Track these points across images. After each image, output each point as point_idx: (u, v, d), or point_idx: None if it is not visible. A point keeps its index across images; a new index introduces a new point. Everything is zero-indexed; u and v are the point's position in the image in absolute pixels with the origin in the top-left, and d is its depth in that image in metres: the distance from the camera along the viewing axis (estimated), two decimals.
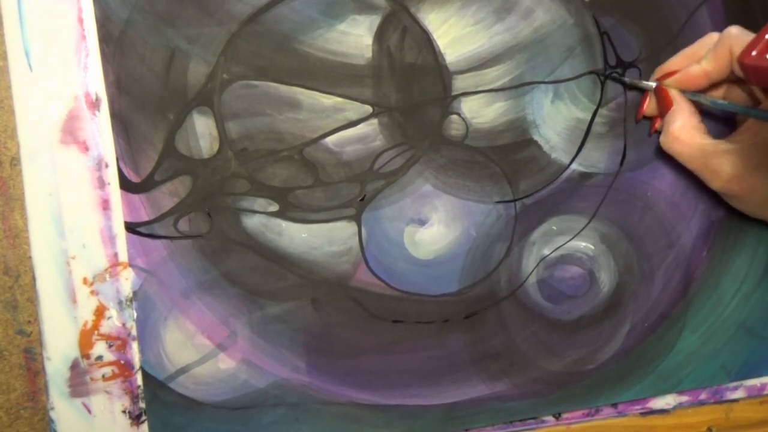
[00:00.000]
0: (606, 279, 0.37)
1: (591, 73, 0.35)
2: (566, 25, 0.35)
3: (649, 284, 0.37)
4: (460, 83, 0.34)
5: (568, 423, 0.38)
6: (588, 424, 0.38)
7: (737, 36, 0.32)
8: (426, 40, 0.34)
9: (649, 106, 0.36)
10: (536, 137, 0.35)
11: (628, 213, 0.37)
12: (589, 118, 0.36)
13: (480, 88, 0.34)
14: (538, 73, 0.35)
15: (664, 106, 0.34)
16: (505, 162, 0.35)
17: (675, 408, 0.39)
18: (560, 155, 0.36)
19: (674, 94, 0.34)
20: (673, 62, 0.35)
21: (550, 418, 0.37)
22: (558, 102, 0.35)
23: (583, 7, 0.35)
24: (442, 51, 0.34)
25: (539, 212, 0.36)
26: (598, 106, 0.36)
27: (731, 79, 0.34)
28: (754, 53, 0.25)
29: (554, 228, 0.36)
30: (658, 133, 0.36)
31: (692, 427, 0.40)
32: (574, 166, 0.36)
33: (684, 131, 0.33)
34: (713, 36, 0.34)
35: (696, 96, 0.34)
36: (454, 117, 0.34)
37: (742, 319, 0.39)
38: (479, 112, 0.34)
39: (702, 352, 0.38)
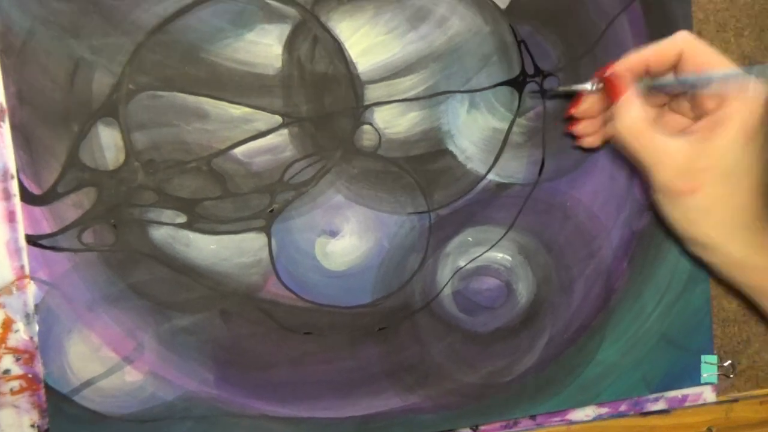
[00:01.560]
0: (524, 290, 0.47)
1: (506, 83, 0.45)
2: (482, 33, 0.44)
3: (569, 295, 0.47)
4: (372, 93, 0.43)
5: (568, 423, 0.48)
6: (588, 425, 0.48)
7: (689, 39, 0.40)
8: (337, 50, 0.42)
9: (582, 107, 0.44)
10: (451, 147, 0.44)
11: (547, 223, 0.46)
12: (506, 127, 0.45)
13: (393, 98, 0.43)
14: (453, 83, 0.44)
15: (613, 97, 0.41)
16: (419, 172, 0.44)
17: (674, 409, 0.50)
18: (476, 165, 0.45)
19: (626, 83, 0.41)
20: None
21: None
22: (474, 111, 0.44)
23: (499, 16, 0.44)
24: (354, 60, 0.42)
25: (454, 223, 0.45)
26: (516, 115, 0.45)
27: (669, 93, 0.43)
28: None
29: (470, 239, 0.45)
30: (573, 137, 0.45)
31: (692, 427, 0.51)
32: (490, 176, 0.45)
33: (634, 122, 0.40)
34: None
35: (641, 81, 0.41)
36: (367, 127, 0.43)
37: (663, 330, 0.49)
38: (392, 122, 0.43)
39: (622, 363, 0.48)
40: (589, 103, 0.43)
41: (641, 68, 0.41)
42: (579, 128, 0.44)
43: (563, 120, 0.45)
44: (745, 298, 0.45)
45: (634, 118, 0.40)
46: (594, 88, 0.43)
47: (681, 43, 0.40)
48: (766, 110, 0.39)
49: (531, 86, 0.45)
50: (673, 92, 0.43)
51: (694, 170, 0.40)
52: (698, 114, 0.42)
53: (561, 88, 0.45)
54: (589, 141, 0.45)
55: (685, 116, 0.43)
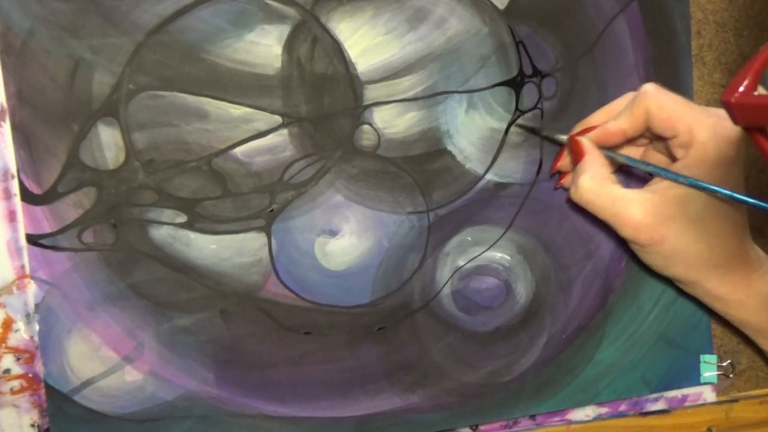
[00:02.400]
0: (522, 290, 0.47)
1: (504, 84, 0.45)
2: (480, 34, 0.44)
3: (567, 295, 0.47)
4: (371, 93, 0.43)
5: (567, 423, 0.48)
6: (588, 424, 0.49)
7: (653, 94, 0.42)
8: (337, 50, 0.43)
9: (565, 161, 0.46)
10: (450, 147, 0.45)
11: (545, 223, 0.47)
12: (504, 127, 0.45)
13: (392, 98, 0.43)
14: (451, 83, 0.44)
15: (576, 158, 0.44)
16: (418, 172, 0.44)
17: (673, 409, 0.50)
18: (475, 165, 0.45)
19: (586, 145, 0.44)
20: (594, 118, 0.45)
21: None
22: (472, 112, 0.45)
23: (497, 16, 0.44)
24: (354, 61, 0.43)
25: (453, 223, 0.45)
26: (514, 116, 0.45)
27: (648, 137, 0.44)
28: (740, 90, 0.30)
29: (469, 239, 0.46)
30: (564, 189, 0.46)
31: (692, 427, 0.51)
32: (489, 176, 0.45)
33: (594, 181, 0.42)
34: (630, 95, 0.44)
35: (613, 153, 0.44)
36: (366, 127, 0.43)
37: (661, 330, 0.49)
38: (391, 122, 0.44)
39: (621, 363, 0.49)
40: (568, 160, 0.45)
41: (616, 137, 0.43)
42: (566, 181, 0.46)
43: (551, 176, 0.47)
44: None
45: (590, 180, 0.42)
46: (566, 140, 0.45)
47: (647, 94, 0.42)
48: (727, 156, 0.40)
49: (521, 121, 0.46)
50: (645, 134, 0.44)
51: (656, 223, 0.41)
52: (672, 158, 0.43)
53: (544, 133, 0.46)
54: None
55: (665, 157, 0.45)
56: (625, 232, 0.42)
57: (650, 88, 0.42)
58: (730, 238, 0.42)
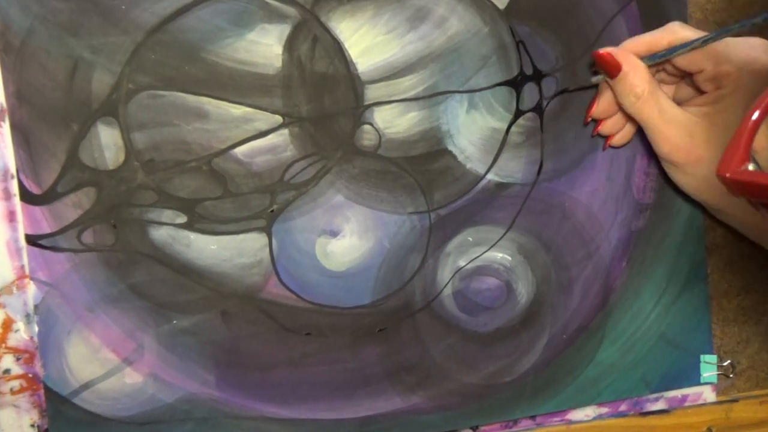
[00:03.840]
0: (523, 290, 0.47)
1: (505, 84, 0.45)
2: (481, 33, 0.44)
3: (568, 295, 0.47)
4: (372, 93, 0.43)
5: (568, 423, 0.48)
6: (588, 425, 0.49)
7: (677, 29, 0.42)
8: (337, 50, 0.42)
9: (599, 107, 0.45)
10: (451, 147, 0.45)
11: (546, 223, 0.47)
12: (504, 127, 0.45)
13: (393, 98, 0.43)
14: (452, 83, 0.44)
15: (612, 71, 0.42)
16: (419, 172, 0.44)
17: (673, 409, 0.50)
18: (476, 165, 0.45)
19: (621, 55, 0.42)
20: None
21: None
22: (473, 112, 0.45)
23: (498, 16, 0.45)
24: (354, 60, 0.43)
25: (454, 223, 0.45)
26: (514, 115, 0.45)
27: (675, 75, 0.44)
28: (732, 167, 0.30)
29: (470, 239, 0.46)
30: (601, 136, 0.46)
31: (692, 427, 0.51)
32: (489, 176, 0.45)
33: (646, 87, 0.42)
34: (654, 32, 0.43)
35: (649, 57, 0.43)
36: (367, 127, 0.43)
37: (662, 331, 0.49)
38: (392, 122, 0.44)
39: (621, 363, 0.49)
40: (605, 102, 0.44)
41: (635, 52, 0.43)
42: (604, 128, 0.46)
43: (585, 125, 0.46)
44: None
45: (638, 89, 0.42)
46: (600, 77, 0.44)
47: (671, 29, 0.42)
48: (762, 78, 0.40)
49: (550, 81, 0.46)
50: (669, 70, 0.44)
51: (694, 144, 0.42)
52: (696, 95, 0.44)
53: (574, 88, 0.46)
54: (618, 138, 0.46)
55: (688, 96, 0.45)
56: (664, 147, 0.42)
57: (675, 26, 0.42)
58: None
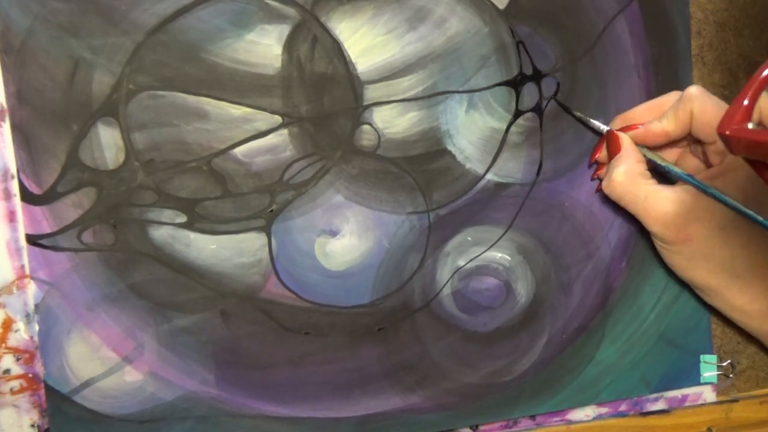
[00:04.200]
0: (523, 290, 0.47)
1: (504, 84, 0.45)
2: (481, 34, 0.44)
3: (567, 295, 0.47)
4: (371, 93, 0.43)
5: (567, 423, 0.48)
6: (588, 424, 0.49)
7: (698, 97, 0.42)
8: (337, 50, 0.43)
9: (604, 152, 0.46)
10: (450, 147, 0.45)
11: (545, 223, 0.47)
12: (504, 127, 0.45)
13: (392, 98, 0.43)
14: (452, 83, 0.44)
15: (613, 152, 0.45)
16: (418, 172, 0.44)
17: (673, 409, 0.50)
18: (475, 165, 0.45)
19: (624, 141, 0.44)
20: (635, 113, 0.45)
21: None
22: (472, 112, 0.45)
23: (497, 16, 0.44)
24: (354, 60, 0.43)
25: (454, 223, 0.45)
26: (514, 115, 0.45)
27: (687, 140, 0.45)
28: (732, 125, 0.31)
29: (469, 239, 0.46)
30: (600, 180, 0.47)
31: (692, 427, 0.51)
32: (489, 176, 0.45)
33: (627, 176, 0.43)
34: (675, 94, 0.44)
35: (649, 154, 0.44)
36: (366, 127, 0.43)
37: (661, 330, 0.49)
38: (392, 122, 0.44)
39: (621, 363, 0.49)
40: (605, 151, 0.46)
41: (659, 138, 0.44)
42: (602, 173, 0.46)
43: (589, 166, 0.47)
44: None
45: (623, 174, 0.43)
46: (605, 132, 0.46)
47: (692, 98, 0.42)
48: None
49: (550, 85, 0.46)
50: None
51: (685, 222, 0.42)
52: (702, 168, 0.45)
53: (578, 114, 0.46)
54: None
55: (691, 168, 0.46)
56: (654, 227, 0.43)
57: (695, 91, 0.42)
58: (755, 250, 0.42)
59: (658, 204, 0.42)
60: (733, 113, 0.31)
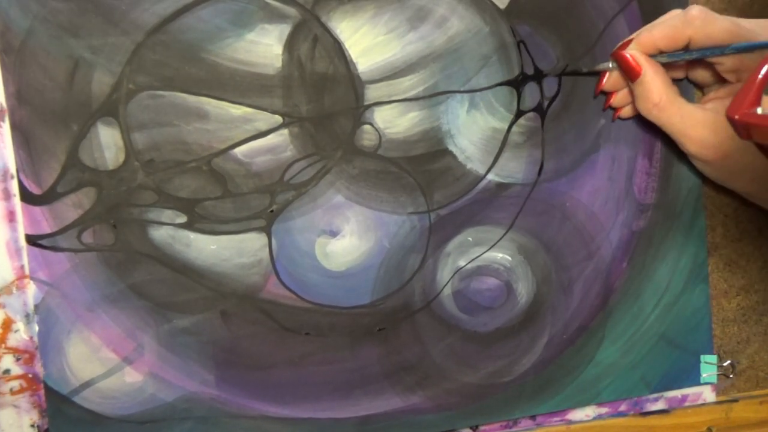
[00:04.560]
0: (523, 290, 0.47)
1: (505, 84, 0.45)
2: (482, 33, 0.44)
3: (568, 295, 0.47)
4: (372, 93, 0.43)
5: (567, 423, 0.48)
6: (588, 424, 0.49)
7: (700, 25, 0.41)
8: (337, 50, 0.42)
9: (610, 81, 0.45)
10: (451, 147, 0.45)
11: (546, 224, 0.47)
12: (505, 127, 0.45)
13: (393, 98, 0.43)
14: (453, 83, 0.44)
15: (631, 74, 0.43)
16: (419, 172, 0.44)
17: (673, 409, 0.50)
18: (476, 165, 0.45)
19: (642, 59, 0.43)
20: (633, 34, 0.44)
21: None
22: (474, 112, 0.45)
23: (498, 16, 0.44)
24: (354, 60, 0.43)
25: (454, 223, 0.45)
26: (515, 115, 0.45)
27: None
28: (742, 110, 0.30)
29: (470, 239, 0.46)
30: (612, 108, 0.46)
31: (692, 427, 0.51)
32: (490, 176, 0.45)
33: (664, 97, 0.42)
34: (675, 12, 0.43)
35: (671, 57, 0.43)
36: (367, 127, 0.43)
37: (662, 331, 0.49)
38: (393, 122, 0.44)
39: (621, 363, 0.49)
40: (614, 78, 0.45)
41: (654, 48, 0.43)
42: (616, 100, 0.46)
43: (595, 97, 0.46)
44: None
45: (655, 97, 0.42)
46: (613, 66, 0.44)
47: (693, 21, 0.41)
48: None
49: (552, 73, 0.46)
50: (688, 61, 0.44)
51: (719, 141, 0.42)
52: (718, 80, 0.44)
53: (585, 69, 0.46)
54: (626, 111, 0.46)
55: (705, 83, 0.46)
56: (692, 148, 0.43)
57: (696, 14, 0.41)
58: None
59: (695, 125, 0.42)
60: (742, 98, 0.31)
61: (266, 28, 0.41)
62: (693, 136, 0.43)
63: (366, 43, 0.43)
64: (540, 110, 0.46)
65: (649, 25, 0.43)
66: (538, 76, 0.45)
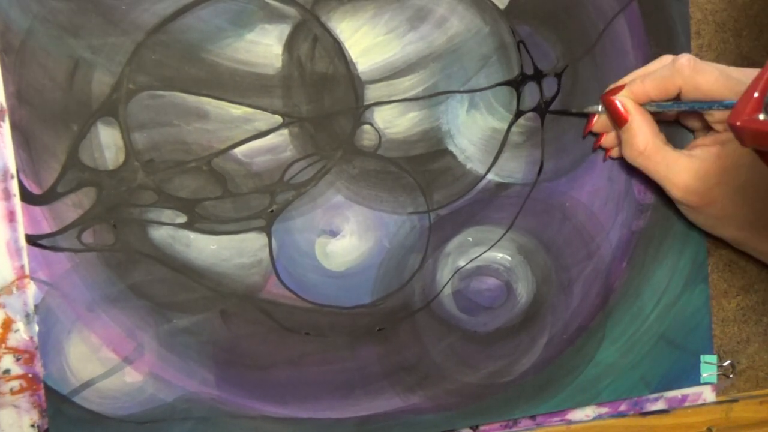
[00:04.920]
0: (523, 290, 0.47)
1: (505, 84, 0.45)
2: (481, 33, 0.44)
3: (568, 295, 0.48)
4: (372, 93, 0.43)
5: (567, 423, 0.48)
6: (588, 424, 0.49)
7: (688, 75, 0.41)
8: (337, 50, 0.42)
9: (598, 123, 0.46)
10: (451, 147, 0.45)
11: (546, 224, 0.47)
12: (505, 127, 0.45)
13: (393, 98, 0.43)
14: (452, 83, 0.44)
15: (619, 119, 0.44)
16: (419, 172, 0.44)
17: (673, 409, 0.50)
18: (476, 165, 0.45)
19: (630, 106, 0.44)
20: (625, 80, 0.45)
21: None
22: (473, 112, 0.45)
23: (498, 16, 0.45)
24: (354, 60, 0.43)
25: (454, 223, 0.45)
26: (515, 115, 0.45)
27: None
28: (743, 116, 0.30)
29: (470, 239, 0.46)
30: (602, 149, 0.47)
31: (692, 427, 0.51)
32: (490, 176, 0.45)
33: (649, 144, 0.43)
34: (666, 58, 0.44)
35: (658, 106, 0.43)
36: (367, 127, 0.43)
37: (662, 331, 0.49)
38: (392, 122, 0.44)
39: (621, 363, 0.49)
40: (603, 120, 0.45)
41: (645, 97, 0.43)
42: (606, 142, 0.46)
43: (584, 137, 0.47)
44: None
45: (641, 145, 0.43)
46: (602, 110, 0.45)
47: (682, 70, 0.42)
48: None
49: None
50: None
51: (706, 187, 0.43)
52: (707, 127, 0.45)
53: (574, 110, 0.46)
54: (616, 152, 0.47)
55: (695, 129, 0.46)
56: (678, 194, 0.43)
57: (685, 64, 0.42)
58: None
59: (680, 172, 0.43)
60: (743, 104, 0.31)
61: (266, 28, 0.41)
62: (678, 183, 0.43)
63: (366, 43, 0.43)
64: (540, 110, 0.46)
65: (641, 73, 0.44)
66: (538, 76, 0.45)
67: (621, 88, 0.44)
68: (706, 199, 0.43)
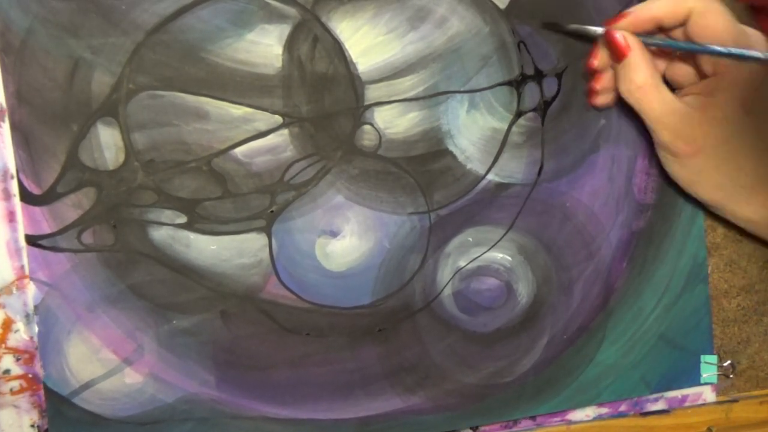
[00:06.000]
0: (524, 291, 0.47)
1: (505, 84, 0.45)
2: (482, 33, 0.45)
3: (568, 296, 0.48)
4: (372, 93, 0.43)
5: (568, 423, 0.48)
6: (588, 425, 0.49)
7: (701, 11, 0.41)
8: (338, 50, 0.43)
9: (600, 59, 0.44)
10: (451, 147, 0.45)
11: (547, 224, 0.47)
12: (505, 127, 0.46)
13: (393, 98, 0.44)
14: (453, 83, 0.44)
15: (617, 54, 0.43)
16: (419, 173, 0.44)
17: (673, 409, 0.50)
18: (476, 166, 0.45)
19: (631, 41, 0.42)
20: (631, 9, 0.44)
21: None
22: (474, 112, 0.45)
23: (498, 16, 0.45)
24: (354, 60, 0.43)
25: (454, 223, 0.45)
26: (515, 115, 0.46)
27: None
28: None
29: (470, 239, 0.46)
30: (596, 91, 0.45)
31: (692, 427, 0.51)
32: (490, 176, 0.46)
33: (649, 81, 0.42)
34: None
35: (657, 40, 0.43)
36: (367, 127, 0.43)
37: (662, 331, 0.49)
38: (393, 122, 0.44)
39: (622, 363, 0.49)
40: (603, 56, 0.44)
41: (648, 25, 0.43)
42: (598, 83, 0.45)
43: (583, 76, 0.46)
44: None
45: (640, 79, 0.42)
46: (601, 32, 0.44)
47: (686, 7, 0.41)
48: (761, 82, 0.41)
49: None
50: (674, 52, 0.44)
51: (693, 135, 0.42)
52: (697, 78, 0.44)
53: (572, 26, 0.45)
54: (603, 99, 0.46)
55: (683, 76, 0.45)
56: (666, 136, 0.43)
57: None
58: (759, 159, 0.43)
59: (673, 114, 0.42)
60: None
61: (266, 28, 0.42)
62: (669, 125, 0.42)
63: (366, 43, 0.43)
64: (540, 110, 0.46)
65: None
66: (538, 76, 0.46)
67: (626, 15, 0.43)
68: (692, 147, 0.42)
